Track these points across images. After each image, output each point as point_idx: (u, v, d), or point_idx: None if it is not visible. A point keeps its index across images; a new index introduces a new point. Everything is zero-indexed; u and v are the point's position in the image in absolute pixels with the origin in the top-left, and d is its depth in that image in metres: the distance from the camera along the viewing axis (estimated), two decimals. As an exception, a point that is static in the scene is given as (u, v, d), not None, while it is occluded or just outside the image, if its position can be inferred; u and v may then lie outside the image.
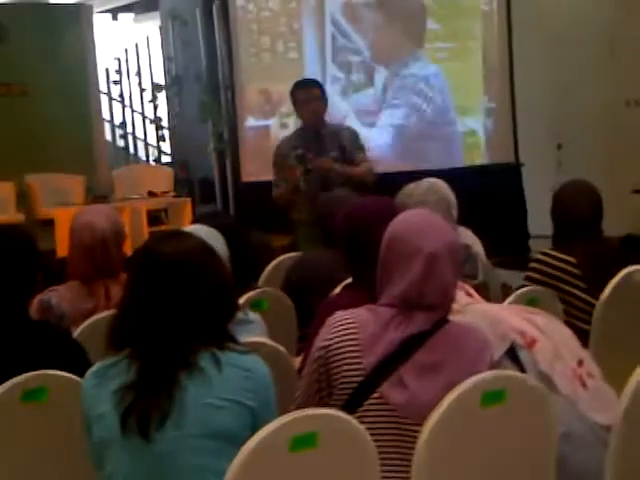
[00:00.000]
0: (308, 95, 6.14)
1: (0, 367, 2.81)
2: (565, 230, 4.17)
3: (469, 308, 3.15)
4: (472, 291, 3.32)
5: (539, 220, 4.46)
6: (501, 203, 9.87)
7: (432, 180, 4.18)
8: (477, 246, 4.43)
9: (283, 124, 9.57)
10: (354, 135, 6.30)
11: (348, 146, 6.16)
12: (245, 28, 9.43)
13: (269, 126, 9.72)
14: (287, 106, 9.57)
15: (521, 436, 2.64)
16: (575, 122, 10.65)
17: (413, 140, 9.84)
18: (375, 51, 9.67)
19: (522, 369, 2.96)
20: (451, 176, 4.67)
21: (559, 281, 4.03)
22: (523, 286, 4.06)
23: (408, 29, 9.78)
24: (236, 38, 9.78)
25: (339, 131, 6.25)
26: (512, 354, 3.00)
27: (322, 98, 6.19)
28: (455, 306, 3.10)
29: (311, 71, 9.48)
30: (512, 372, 2.78)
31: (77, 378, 2.70)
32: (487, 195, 9.47)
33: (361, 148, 6.26)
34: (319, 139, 6.12)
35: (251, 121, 9.69)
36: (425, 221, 2.80)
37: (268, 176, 9.70)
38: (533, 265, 4.13)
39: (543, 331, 3.07)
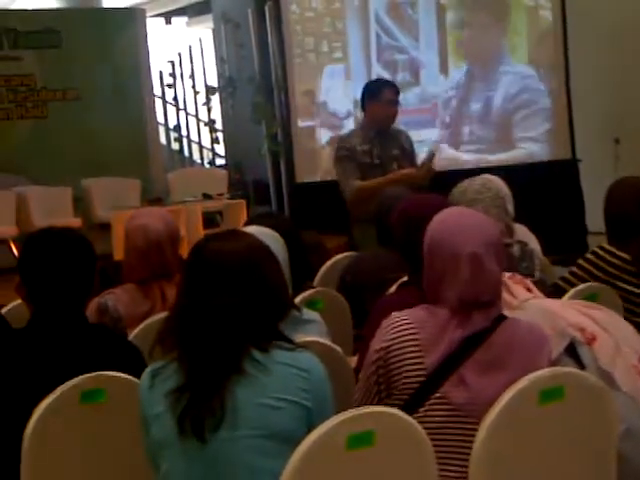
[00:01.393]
0: (393, 97, 6.21)
1: (58, 370, 2.84)
2: (618, 228, 4.10)
3: (528, 304, 3.12)
4: (532, 286, 3.29)
5: (597, 216, 4.39)
6: (558, 200, 9.79)
7: (487, 177, 4.14)
8: (533, 243, 4.40)
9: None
10: (410, 139, 6.39)
11: (407, 148, 6.28)
12: (287, 29, 9.55)
13: (314, 127, 9.77)
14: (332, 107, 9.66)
15: (580, 434, 2.61)
16: (633, 116, 10.52)
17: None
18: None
19: (582, 366, 2.93)
20: (508, 173, 4.65)
21: (613, 277, 3.97)
22: (572, 273, 4.02)
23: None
24: (289, 39, 9.82)
25: (397, 133, 6.31)
26: (572, 351, 2.97)
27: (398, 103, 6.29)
28: (514, 301, 3.08)
29: (357, 71, 9.50)
30: (571, 369, 2.75)
31: (134, 379, 2.72)
32: (544, 192, 9.41)
33: (413, 152, 6.39)
34: (382, 137, 6.15)
35: (297, 123, 9.77)
36: (459, 221, 2.77)
37: (315, 177, 9.86)
38: (589, 257, 4.07)
39: (603, 327, 3.03)
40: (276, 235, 3.31)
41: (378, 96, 6.18)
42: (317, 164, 9.91)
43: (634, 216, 4.07)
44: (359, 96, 6.48)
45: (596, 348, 2.97)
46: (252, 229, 3.29)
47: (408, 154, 6.25)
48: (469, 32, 9.99)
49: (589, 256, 4.05)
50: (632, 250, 3.98)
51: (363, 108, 6.34)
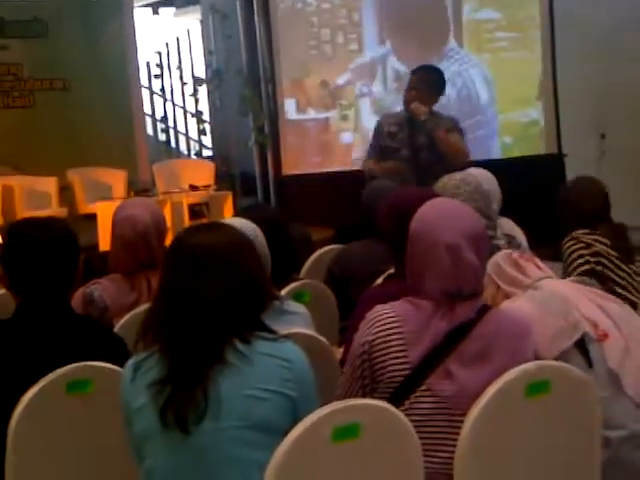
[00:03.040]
0: (411, 82, 6.26)
1: (44, 360, 2.83)
2: (582, 219, 4.30)
3: (542, 284, 3.11)
4: (541, 264, 3.26)
5: None
6: (545, 194, 9.80)
7: (470, 171, 4.16)
8: (520, 237, 4.41)
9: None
10: (453, 121, 6.25)
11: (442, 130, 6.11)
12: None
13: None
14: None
15: (565, 427, 2.63)
16: (618, 112, 10.55)
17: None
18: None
19: (590, 363, 2.93)
20: (494, 167, 4.66)
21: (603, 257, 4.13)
22: (582, 269, 4.09)
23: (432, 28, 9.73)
24: (277, 30, 9.83)
25: (439, 119, 6.18)
26: (582, 345, 2.96)
27: (426, 90, 6.22)
28: (526, 280, 3.08)
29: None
30: (556, 362, 2.75)
31: (120, 370, 2.71)
32: (531, 186, 9.41)
33: (459, 131, 6.22)
34: (413, 123, 6.13)
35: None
36: (440, 212, 2.78)
37: (324, 168, 9.76)
38: (571, 243, 4.23)
39: (616, 323, 3.02)
40: (253, 227, 3.30)
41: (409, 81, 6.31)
42: (331, 157, 9.97)
43: (593, 211, 4.30)
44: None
45: (606, 347, 2.96)
46: (229, 221, 3.30)
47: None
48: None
49: (571, 242, 4.22)
50: (601, 233, 4.19)
51: None
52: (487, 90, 9.83)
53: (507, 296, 3.12)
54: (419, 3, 9.77)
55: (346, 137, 9.86)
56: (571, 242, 4.22)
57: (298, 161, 10.06)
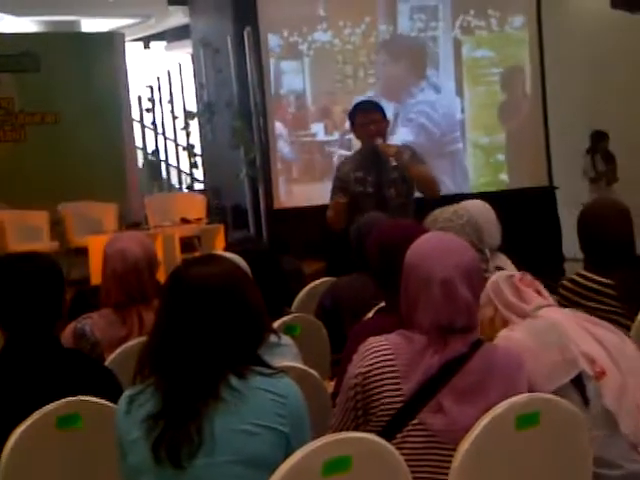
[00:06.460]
0: (365, 118, 6.03)
1: (33, 395, 2.82)
2: (596, 253, 3.98)
3: (541, 313, 3.08)
4: (541, 288, 3.22)
5: (574, 243, 4.31)
6: (536, 226, 9.85)
7: (463, 204, 4.16)
8: (510, 269, 4.41)
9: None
10: (414, 152, 6.08)
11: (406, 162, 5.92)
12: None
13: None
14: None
15: (556, 459, 2.62)
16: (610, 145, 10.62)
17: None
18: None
19: (586, 401, 2.90)
20: (486, 199, 4.68)
21: (592, 301, 3.86)
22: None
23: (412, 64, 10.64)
24: (267, 64, 9.98)
25: (399, 152, 5.93)
26: (578, 382, 2.93)
27: (383, 121, 6.09)
28: (523, 306, 3.06)
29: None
30: (546, 395, 2.73)
31: (110, 404, 2.71)
32: (522, 218, 9.46)
33: (424, 162, 6.08)
34: (378, 161, 5.97)
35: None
36: (435, 246, 2.77)
37: (304, 202, 9.96)
38: (566, 284, 3.96)
39: (613, 356, 2.98)
40: (238, 260, 3.28)
41: (353, 120, 6.14)
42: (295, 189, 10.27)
43: (612, 239, 3.94)
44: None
45: (603, 384, 2.92)
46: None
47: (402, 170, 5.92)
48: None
49: (566, 283, 3.97)
50: (616, 277, 3.84)
51: None
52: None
53: (504, 321, 3.11)
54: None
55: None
56: (569, 284, 3.98)
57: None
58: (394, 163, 5.81)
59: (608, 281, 3.86)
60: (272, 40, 10.39)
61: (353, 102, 6.70)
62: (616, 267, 3.89)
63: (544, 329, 3.01)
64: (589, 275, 3.93)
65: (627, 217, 4.03)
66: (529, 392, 2.70)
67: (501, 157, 10.73)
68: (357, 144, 6.37)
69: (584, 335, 3.03)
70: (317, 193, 9.72)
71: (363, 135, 6.06)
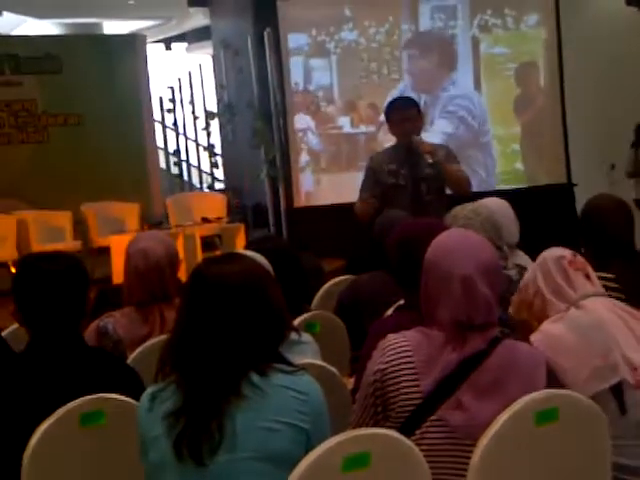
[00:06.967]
0: (401, 115, 6.04)
1: (57, 392, 2.85)
2: (597, 247, 4.00)
3: (585, 304, 3.06)
4: (591, 272, 3.19)
5: None
6: (554, 223, 9.83)
7: (482, 202, 4.17)
8: (530, 267, 4.41)
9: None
10: (449, 151, 6.14)
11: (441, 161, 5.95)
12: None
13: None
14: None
15: (574, 455, 2.62)
16: (628, 142, 10.56)
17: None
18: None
19: (624, 409, 2.90)
20: (505, 196, 4.69)
21: None
22: None
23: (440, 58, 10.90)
24: (287, 64, 10.07)
25: (434, 150, 5.96)
26: (618, 390, 2.92)
27: (418, 118, 6.10)
28: (571, 293, 3.05)
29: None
30: (565, 391, 2.74)
31: (133, 401, 2.73)
32: (540, 215, 9.44)
33: (457, 161, 6.12)
34: (413, 157, 5.97)
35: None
36: (456, 243, 2.78)
37: (322, 201, 10.07)
38: None
39: None
40: (259, 258, 3.31)
41: (389, 117, 6.14)
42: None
43: (611, 232, 3.98)
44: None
45: None
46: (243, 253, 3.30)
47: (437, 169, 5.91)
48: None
49: None
50: (615, 270, 3.83)
51: None
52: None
53: (544, 303, 3.08)
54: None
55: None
56: None
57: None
58: (430, 160, 5.82)
59: (609, 275, 3.84)
60: (299, 39, 10.62)
61: (377, 97, 6.73)
62: (614, 260, 3.91)
63: (589, 327, 2.99)
64: None
65: (627, 212, 4.07)
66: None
67: (516, 147, 10.90)
68: (382, 136, 6.40)
69: (628, 336, 3.00)
70: (344, 182, 9.98)
71: (399, 132, 6.07)
